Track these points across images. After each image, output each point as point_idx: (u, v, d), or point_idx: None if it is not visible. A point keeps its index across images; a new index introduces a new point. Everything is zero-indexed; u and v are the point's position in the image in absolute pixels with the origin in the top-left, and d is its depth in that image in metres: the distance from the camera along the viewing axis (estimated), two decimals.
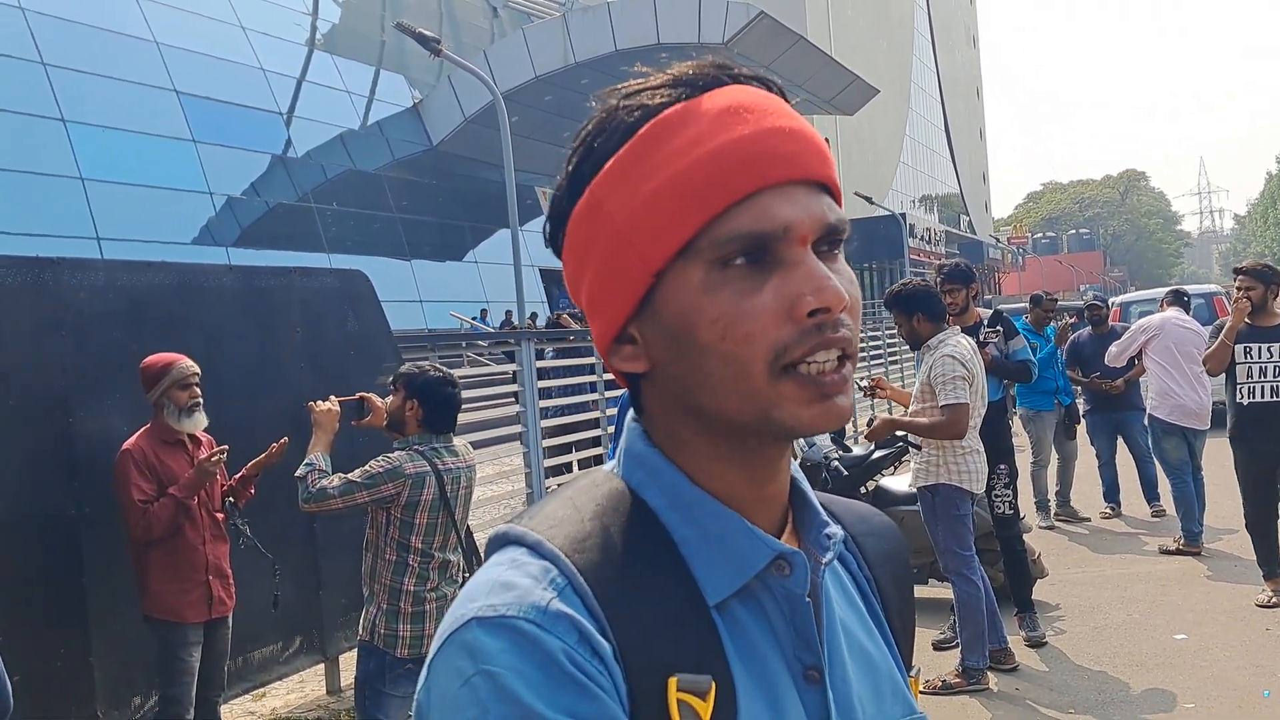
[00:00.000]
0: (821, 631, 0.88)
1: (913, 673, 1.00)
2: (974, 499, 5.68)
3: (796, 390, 0.80)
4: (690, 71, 0.85)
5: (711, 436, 0.85)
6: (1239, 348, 6.65)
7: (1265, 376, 6.62)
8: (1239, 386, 6.70)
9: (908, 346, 6.06)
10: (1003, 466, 6.30)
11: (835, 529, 0.92)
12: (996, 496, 6.33)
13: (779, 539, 0.88)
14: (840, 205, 0.85)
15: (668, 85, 0.84)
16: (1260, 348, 6.63)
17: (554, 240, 0.89)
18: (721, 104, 0.82)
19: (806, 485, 0.94)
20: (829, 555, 0.90)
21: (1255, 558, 6.85)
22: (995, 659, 5.84)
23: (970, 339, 5.77)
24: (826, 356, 0.80)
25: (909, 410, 5.78)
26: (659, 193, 0.80)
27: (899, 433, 6.50)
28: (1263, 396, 6.63)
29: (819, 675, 0.86)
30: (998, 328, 6.49)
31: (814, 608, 0.87)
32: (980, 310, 6.60)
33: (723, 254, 0.80)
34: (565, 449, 9.26)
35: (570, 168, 0.86)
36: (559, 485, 0.94)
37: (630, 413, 0.93)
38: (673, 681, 0.77)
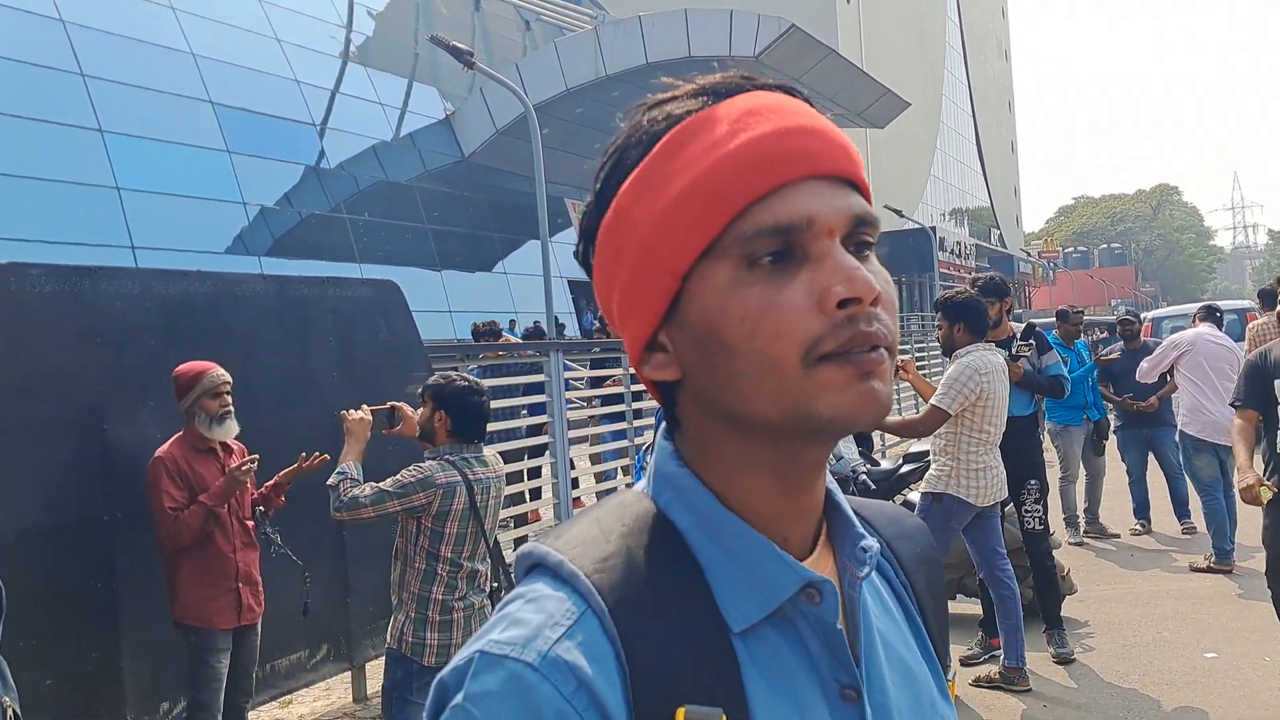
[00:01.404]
0: (859, 648, 0.87)
1: (949, 676, 0.99)
2: (974, 513, 5.73)
3: (833, 374, 0.78)
4: (715, 80, 0.85)
5: (746, 443, 0.84)
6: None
7: None
8: None
9: (941, 352, 6.19)
10: (1033, 482, 6.31)
11: (871, 541, 0.90)
12: (1027, 512, 6.32)
13: (812, 551, 0.88)
14: (870, 202, 0.84)
15: (691, 95, 0.84)
16: None
17: (585, 258, 0.89)
18: (742, 107, 0.82)
19: (841, 496, 0.92)
20: (865, 570, 0.88)
21: None
22: (1008, 679, 5.89)
23: (1001, 353, 5.87)
24: (861, 349, 0.79)
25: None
26: (681, 196, 0.80)
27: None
28: None
29: (856, 694, 0.85)
30: (1030, 341, 6.46)
31: (851, 624, 0.87)
32: (1014, 324, 6.60)
33: (748, 251, 0.79)
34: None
35: (599, 184, 0.86)
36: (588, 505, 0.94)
37: (661, 430, 0.92)
38: (680, 712, 0.76)
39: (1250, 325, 13.24)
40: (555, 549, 0.83)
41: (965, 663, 6.30)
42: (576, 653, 0.76)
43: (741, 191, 0.79)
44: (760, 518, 0.85)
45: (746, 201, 0.79)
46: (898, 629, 0.95)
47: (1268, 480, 5.06)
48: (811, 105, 0.86)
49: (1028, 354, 6.35)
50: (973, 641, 6.37)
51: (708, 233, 0.79)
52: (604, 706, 0.75)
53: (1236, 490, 5.14)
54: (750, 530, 0.84)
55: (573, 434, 8.31)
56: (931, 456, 5.96)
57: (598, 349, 10.55)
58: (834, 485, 0.92)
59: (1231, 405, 5.43)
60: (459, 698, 0.76)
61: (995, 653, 6.30)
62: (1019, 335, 6.50)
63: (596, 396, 9.05)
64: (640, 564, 0.81)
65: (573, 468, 8.53)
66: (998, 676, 5.90)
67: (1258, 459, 5.18)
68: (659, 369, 0.86)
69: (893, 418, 6.08)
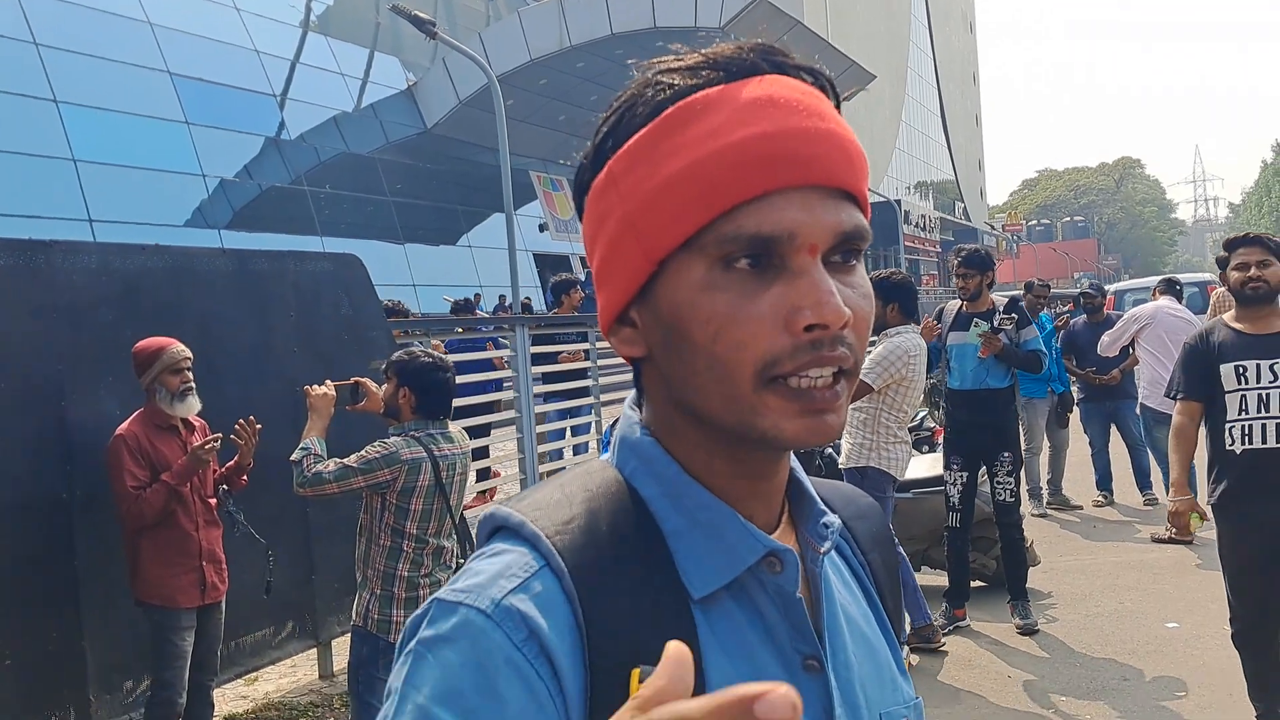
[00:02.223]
0: (821, 621, 0.87)
1: (905, 655, 1.01)
2: (895, 484, 5.90)
3: (782, 402, 0.78)
4: (730, 53, 0.82)
5: (705, 433, 0.84)
6: (1228, 369, 4.40)
7: (1267, 410, 4.31)
8: (1228, 426, 4.39)
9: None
10: (1006, 454, 6.38)
11: (833, 518, 0.90)
12: (999, 483, 6.39)
13: (775, 531, 0.87)
14: (867, 215, 0.83)
15: (704, 66, 0.81)
16: (1259, 366, 4.35)
17: (578, 203, 0.89)
18: (751, 95, 0.79)
19: (803, 475, 0.92)
20: (827, 545, 0.89)
21: (1246, 685, 4.66)
22: (922, 636, 6.00)
23: (982, 325, 6.29)
24: (819, 373, 0.78)
25: None
26: (670, 181, 0.79)
27: None
28: (1265, 441, 4.31)
29: (819, 665, 0.85)
30: (1012, 315, 6.46)
31: (814, 598, 0.87)
32: (995, 297, 6.63)
33: (726, 253, 0.78)
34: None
35: (597, 137, 0.85)
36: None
37: (629, 400, 0.92)
38: (635, 673, 0.74)
39: (1214, 294, 13.42)
40: (518, 511, 0.84)
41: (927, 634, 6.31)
42: (530, 604, 0.77)
43: (729, 191, 0.77)
44: (723, 494, 0.85)
45: (733, 202, 0.77)
46: (858, 605, 0.96)
47: (1212, 490, 4.40)
48: (830, 93, 0.84)
49: (1008, 328, 6.37)
50: (936, 613, 6.41)
51: (689, 226, 0.78)
52: (554, 658, 0.75)
53: (1167, 513, 4.68)
54: (714, 499, 0.84)
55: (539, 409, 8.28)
56: (846, 430, 5.99)
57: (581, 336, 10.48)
58: (797, 465, 0.92)
59: (1169, 397, 4.76)
60: (413, 643, 0.78)
61: (961, 624, 6.41)
62: (1002, 309, 6.53)
63: (554, 372, 8.96)
64: (602, 528, 0.82)
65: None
66: (913, 639, 6.00)
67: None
68: (626, 344, 0.86)
69: None
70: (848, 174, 0.80)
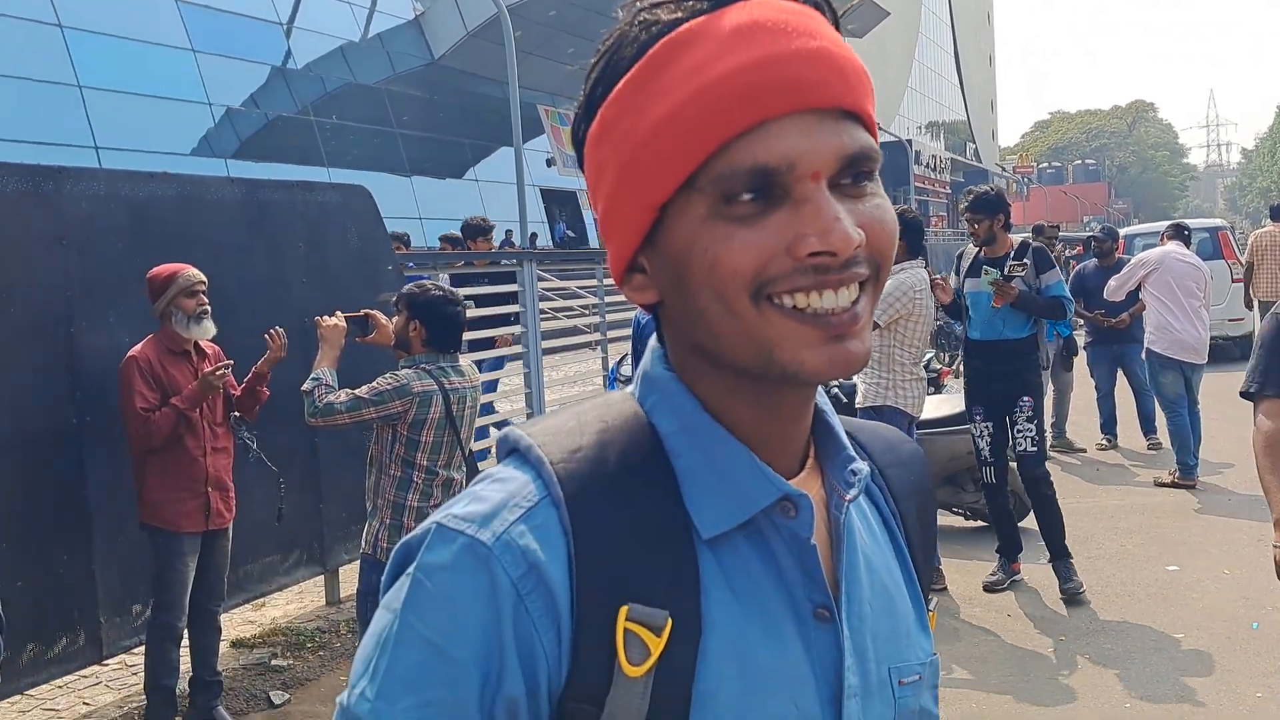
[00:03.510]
0: (839, 570, 0.85)
1: (930, 607, 0.98)
2: (913, 422, 5.87)
3: (796, 327, 0.75)
4: None
5: (725, 376, 0.81)
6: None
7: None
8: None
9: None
10: (1027, 398, 6.06)
11: (861, 464, 0.87)
12: (1018, 431, 6.07)
13: (800, 473, 0.86)
14: (874, 133, 0.78)
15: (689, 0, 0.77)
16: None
17: (579, 158, 0.86)
18: (734, 22, 0.75)
19: (833, 415, 0.89)
20: (854, 492, 0.86)
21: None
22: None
23: (993, 272, 5.96)
24: (832, 301, 0.75)
25: None
26: (659, 125, 0.75)
27: None
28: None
29: (830, 614, 0.83)
30: (1025, 260, 5.97)
31: (835, 546, 0.85)
32: (1012, 238, 6.18)
33: (725, 190, 0.74)
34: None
35: (587, 87, 0.82)
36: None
37: (654, 337, 0.90)
38: (623, 610, 0.75)
39: (1255, 234, 13.51)
40: (529, 434, 0.83)
41: (988, 589, 6.15)
42: (530, 537, 0.76)
43: (719, 128, 0.74)
44: (743, 435, 0.83)
45: (724, 138, 0.74)
46: (883, 556, 0.93)
47: None
48: (826, 11, 0.79)
49: (1021, 273, 5.93)
50: (994, 566, 6.26)
51: (683, 169, 0.75)
52: (552, 593, 0.75)
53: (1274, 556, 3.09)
54: (731, 438, 0.82)
55: (546, 345, 8.28)
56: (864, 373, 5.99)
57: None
58: (826, 404, 0.89)
59: (1246, 396, 3.39)
60: (412, 566, 0.77)
61: (1017, 578, 6.23)
62: (1013, 253, 6.04)
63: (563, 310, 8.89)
64: (610, 460, 0.80)
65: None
66: None
67: None
68: (638, 291, 0.84)
69: None
70: (846, 93, 0.76)
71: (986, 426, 6.12)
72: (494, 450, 0.88)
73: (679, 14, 0.77)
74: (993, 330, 6.08)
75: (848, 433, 0.94)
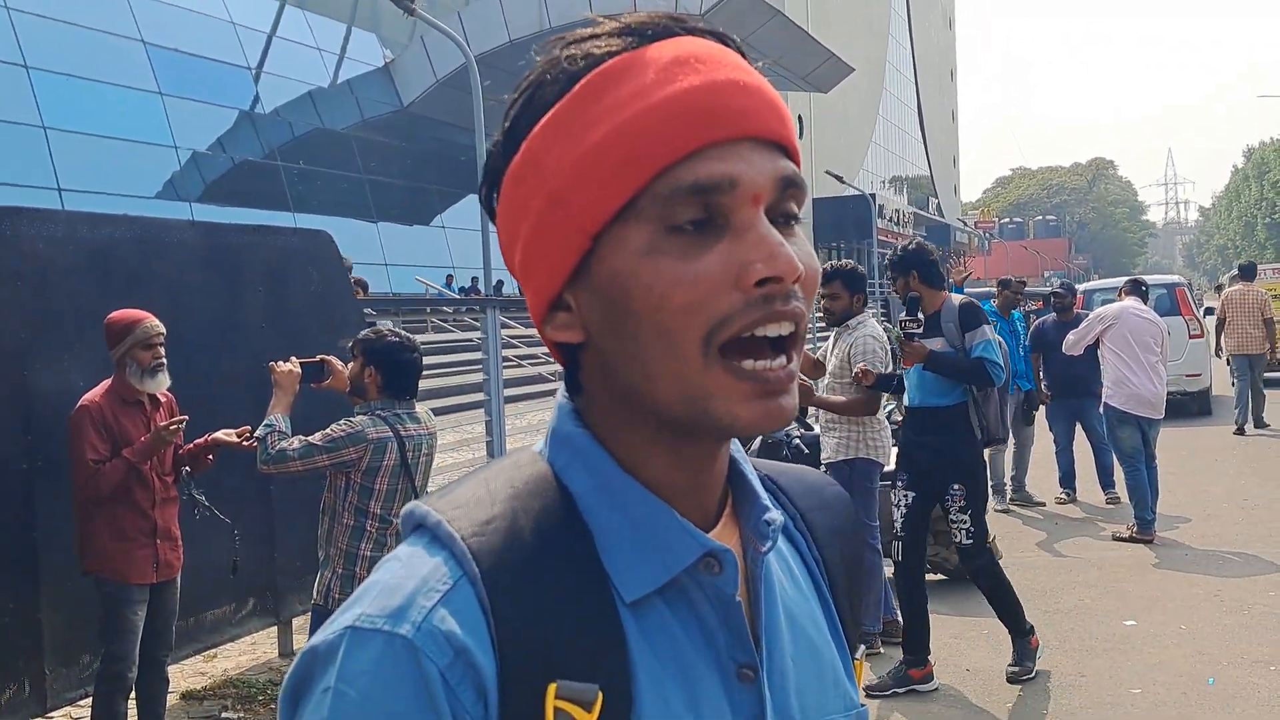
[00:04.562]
0: (759, 625, 0.82)
1: (857, 655, 0.95)
2: (882, 471, 5.87)
3: (734, 383, 0.74)
4: (641, 20, 0.78)
5: (645, 420, 0.79)
6: None
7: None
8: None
9: (829, 322, 6.10)
10: (958, 486, 5.39)
11: (775, 514, 0.85)
12: (952, 522, 5.45)
13: (716, 525, 0.83)
14: (799, 166, 0.79)
15: (615, 34, 0.78)
16: None
17: (489, 203, 0.83)
18: (670, 54, 0.75)
19: (747, 465, 0.87)
20: (769, 544, 0.83)
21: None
22: (888, 630, 6.00)
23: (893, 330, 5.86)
24: (777, 331, 0.74)
25: (821, 384, 5.94)
26: (598, 148, 0.74)
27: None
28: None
29: (753, 673, 0.80)
30: (917, 317, 5.27)
31: (753, 600, 0.83)
32: (956, 296, 5.67)
33: (667, 215, 0.73)
34: None
35: (507, 123, 0.80)
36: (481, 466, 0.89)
37: (561, 390, 0.86)
38: (551, 688, 0.72)
39: (1226, 292, 14.74)
40: (436, 509, 0.78)
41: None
42: (451, 621, 0.72)
43: (663, 149, 0.73)
44: (660, 489, 0.80)
45: (667, 161, 0.73)
46: (806, 604, 0.90)
47: None
48: (745, 56, 0.80)
49: (915, 329, 5.23)
50: (886, 670, 5.56)
51: (624, 191, 0.74)
52: (480, 676, 0.72)
53: None
54: (650, 496, 0.79)
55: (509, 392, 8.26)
56: (825, 426, 6.00)
57: None
58: (740, 454, 0.87)
59: None
60: (331, 678, 0.72)
61: (919, 686, 5.42)
62: (906, 308, 5.39)
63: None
64: (524, 528, 0.77)
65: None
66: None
67: None
68: (562, 329, 0.80)
69: (834, 397, 5.80)
70: (778, 125, 0.77)
71: (905, 496, 5.50)
72: (399, 527, 0.84)
73: (610, 48, 0.77)
74: (917, 395, 5.46)
75: (768, 478, 0.93)
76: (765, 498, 0.86)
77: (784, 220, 0.77)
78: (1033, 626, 5.61)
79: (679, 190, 0.73)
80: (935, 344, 5.31)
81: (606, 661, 0.74)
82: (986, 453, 9.55)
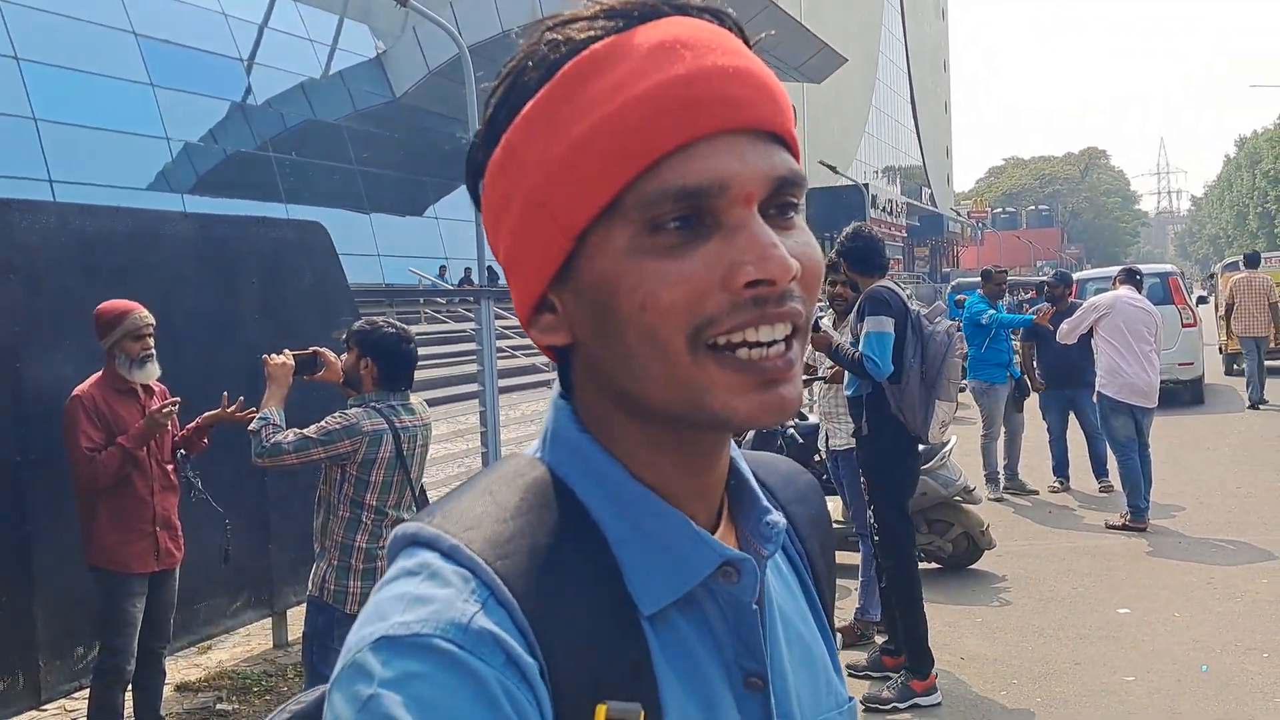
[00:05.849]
0: (764, 633, 0.80)
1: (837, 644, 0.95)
2: None
3: (730, 375, 0.70)
4: (628, 1, 0.73)
5: (642, 422, 0.76)
6: None
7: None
8: None
9: (839, 311, 5.95)
10: (863, 480, 5.41)
11: (777, 517, 0.82)
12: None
13: (718, 527, 0.81)
14: (798, 159, 0.74)
15: (600, 16, 0.73)
16: None
17: (474, 191, 0.79)
18: (656, 38, 0.70)
19: (744, 465, 0.85)
20: (771, 547, 0.81)
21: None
22: (862, 630, 6.04)
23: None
24: (769, 335, 0.70)
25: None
26: (579, 144, 0.70)
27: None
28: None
29: (761, 682, 0.79)
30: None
31: (759, 608, 0.80)
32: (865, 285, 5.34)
33: (652, 215, 0.69)
34: None
35: (489, 112, 0.76)
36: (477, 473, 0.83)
37: (556, 389, 0.83)
38: (601, 709, 0.69)
39: (1234, 279, 16.12)
40: (446, 530, 0.72)
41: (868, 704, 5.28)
42: (497, 628, 0.67)
43: (647, 145, 0.68)
44: (666, 493, 0.77)
45: (653, 157, 0.68)
46: (796, 603, 0.89)
47: None
48: (743, 34, 0.76)
49: (819, 316, 5.05)
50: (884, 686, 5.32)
51: (607, 190, 0.69)
52: (534, 690, 0.67)
53: None
54: (663, 504, 0.76)
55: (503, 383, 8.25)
56: (828, 414, 5.98)
57: None
58: (737, 454, 0.85)
59: None
60: (371, 688, 0.64)
61: (922, 699, 5.16)
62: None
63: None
64: (543, 546, 0.72)
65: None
66: (852, 631, 5.94)
67: None
68: (548, 331, 0.77)
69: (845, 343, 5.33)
70: (774, 114, 0.72)
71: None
72: (386, 549, 0.78)
73: (592, 32, 0.72)
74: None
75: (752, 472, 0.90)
76: (764, 499, 0.83)
77: (781, 212, 0.73)
78: (917, 666, 5.15)
79: (665, 194, 0.69)
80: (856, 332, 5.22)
81: (640, 679, 0.72)
82: (980, 441, 9.73)
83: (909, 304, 5.30)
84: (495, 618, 0.68)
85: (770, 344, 0.71)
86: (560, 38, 0.73)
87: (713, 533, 0.80)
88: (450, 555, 0.71)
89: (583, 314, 0.74)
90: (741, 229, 0.70)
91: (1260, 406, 14.72)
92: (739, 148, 0.70)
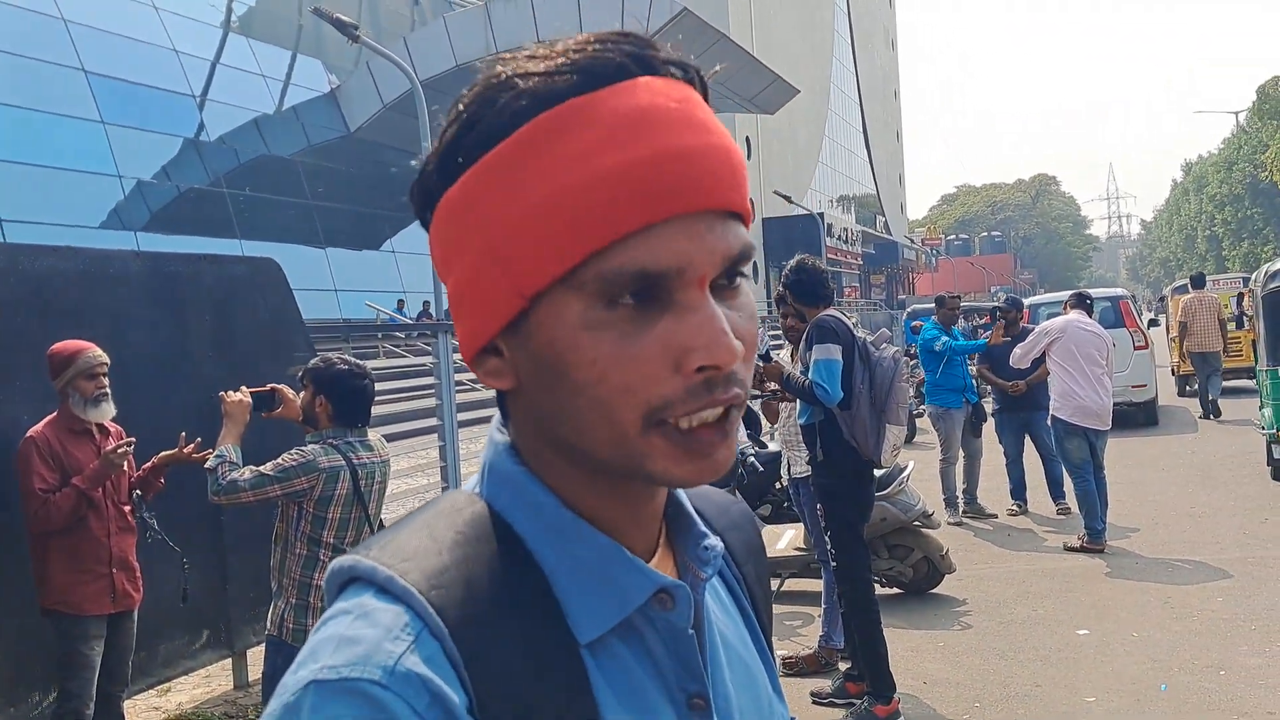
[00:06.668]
0: (705, 653, 0.82)
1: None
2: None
3: (670, 445, 0.73)
4: (593, 52, 0.73)
5: (580, 465, 0.77)
6: None
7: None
8: None
9: (791, 339, 5.96)
10: (819, 507, 5.45)
11: (714, 541, 0.84)
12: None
13: (654, 555, 0.83)
14: (749, 223, 0.77)
15: (567, 70, 0.72)
16: None
17: (421, 215, 0.79)
18: (626, 107, 0.71)
19: (682, 493, 0.87)
20: (710, 572, 0.83)
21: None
22: (825, 658, 6.01)
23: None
24: (714, 415, 0.73)
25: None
26: (538, 211, 0.70)
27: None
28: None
29: (704, 703, 0.80)
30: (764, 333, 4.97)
31: (695, 627, 0.82)
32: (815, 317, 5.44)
33: (609, 292, 0.70)
34: None
35: (442, 143, 0.76)
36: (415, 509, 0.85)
37: (495, 422, 0.84)
38: None
39: (1184, 300, 17.12)
40: (381, 562, 0.73)
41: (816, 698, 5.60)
42: (425, 667, 0.68)
43: (612, 224, 0.69)
44: (602, 524, 0.79)
45: (616, 236, 0.69)
46: (735, 626, 0.91)
47: None
48: (706, 90, 0.77)
49: (773, 345, 5.14)
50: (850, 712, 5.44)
51: (565, 262, 0.70)
52: None
53: None
54: (598, 534, 0.78)
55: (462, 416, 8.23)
56: (790, 442, 6.01)
57: None
58: None
59: None
60: None
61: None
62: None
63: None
64: (480, 577, 0.74)
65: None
66: (812, 662, 5.93)
67: None
68: (493, 375, 0.78)
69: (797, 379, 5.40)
70: (732, 192, 0.74)
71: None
72: (324, 586, 0.79)
73: (558, 85, 0.72)
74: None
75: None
76: (700, 524, 0.85)
77: (730, 279, 0.75)
78: (879, 691, 5.21)
79: (623, 273, 0.70)
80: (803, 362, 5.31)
81: (576, 708, 0.73)
82: (938, 466, 9.81)
83: (855, 331, 5.37)
84: (426, 653, 0.69)
85: (709, 416, 0.73)
86: (525, 87, 0.72)
87: (649, 560, 0.82)
88: (385, 587, 0.72)
89: (530, 368, 0.75)
90: (693, 311, 0.72)
91: (1213, 417, 15.42)
92: (699, 230, 0.72)
